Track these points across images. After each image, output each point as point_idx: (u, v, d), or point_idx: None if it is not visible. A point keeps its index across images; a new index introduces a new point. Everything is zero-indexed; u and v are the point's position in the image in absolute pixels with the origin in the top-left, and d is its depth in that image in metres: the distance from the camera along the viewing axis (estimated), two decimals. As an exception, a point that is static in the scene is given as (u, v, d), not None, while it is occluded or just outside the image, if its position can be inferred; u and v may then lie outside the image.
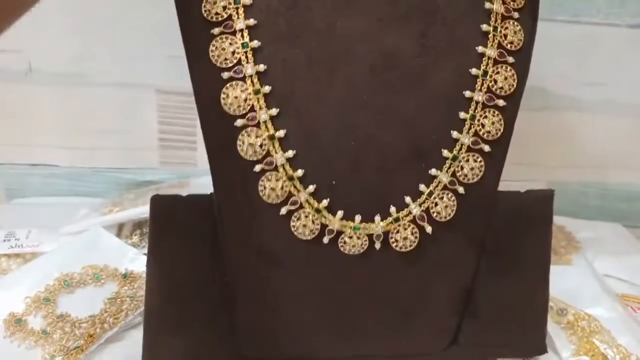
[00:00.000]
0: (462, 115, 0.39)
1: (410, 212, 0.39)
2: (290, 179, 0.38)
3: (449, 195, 0.40)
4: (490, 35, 0.39)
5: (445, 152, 0.39)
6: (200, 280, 0.41)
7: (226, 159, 0.38)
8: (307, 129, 0.38)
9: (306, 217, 0.38)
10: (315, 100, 0.38)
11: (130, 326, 0.50)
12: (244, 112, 0.37)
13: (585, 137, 0.76)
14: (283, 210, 0.38)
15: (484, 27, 0.38)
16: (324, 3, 0.37)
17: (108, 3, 0.65)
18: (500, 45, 0.39)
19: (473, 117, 0.39)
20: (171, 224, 0.40)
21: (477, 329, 0.44)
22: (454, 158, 0.39)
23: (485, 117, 0.39)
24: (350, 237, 0.39)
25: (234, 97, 0.36)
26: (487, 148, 0.39)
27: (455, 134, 0.39)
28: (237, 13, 0.37)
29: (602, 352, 0.49)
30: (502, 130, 0.39)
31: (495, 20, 0.39)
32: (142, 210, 0.63)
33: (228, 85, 0.37)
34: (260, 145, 0.37)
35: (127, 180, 0.73)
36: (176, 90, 0.69)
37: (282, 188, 0.38)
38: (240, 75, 0.37)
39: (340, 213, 0.39)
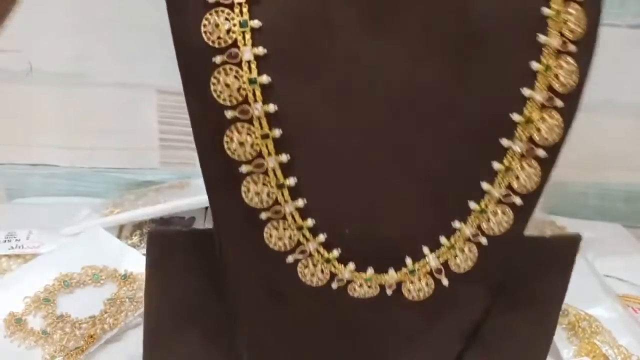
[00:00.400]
0: (495, 165, 0.34)
1: (427, 264, 0.36)
2: (299, 228, 0.34)
3: (470, 247, 0.35)
4: (540, 75, 0.32)
5: (472, 204, 0.34)
6: (200, 306, 0.38)
7: (229, 205, 0.33)
8: (320, 175, 0.33)
9: (315, 265, 0.35)
10: (331, 143, 0.33)
11: (130, 327, 0.50)
12: (250, 158, 0.32)
13: (585, 137, 0.75)
14: (290, 259, 0.34)
15: (534, 65, 0.32)
16: (348, 28, 0.31)
17: (108, 3, 0.65)
18: (550, 88, 0.32)
19: (508, 169, 0.34)
20: (169, 257, 0.37)
21: (481, 355, 0.42)
22: (481, 211, 0.34)
23: (522, 169, 0.34)
24: (361, 286, 0.36)
25: (239, 142, 0.31)
26: (518, 201, 0.34)
27: (485, 185, 0.34)
28: (244, 39, 0.30)
29: (604, 353, 0.49)
30: (538, 184, 0.35)
31: (548, 57, 0.32)
32: (143, 212, 0.63)
33: (232, 127, 0.31)
34: (268, 194, 0.32)
35: (128, 181, 0.73)
36: (176, 90, 0.68)
37: (290, 237, 0.34)
38: (247, 117, 0.31)
39: (352, 265, 0.35)
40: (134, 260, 0.56)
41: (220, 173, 0.33)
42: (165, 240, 0.36)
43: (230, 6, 0.30)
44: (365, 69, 0.32)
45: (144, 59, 0.67)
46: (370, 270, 0.35)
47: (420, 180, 0.34)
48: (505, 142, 0.33)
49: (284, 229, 0.34)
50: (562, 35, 0.32)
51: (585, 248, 0.67)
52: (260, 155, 0.32)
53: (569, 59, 0.32)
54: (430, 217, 0.35)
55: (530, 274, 0.39)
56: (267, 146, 0.32)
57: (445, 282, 0.36)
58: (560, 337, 0.51)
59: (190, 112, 0.32)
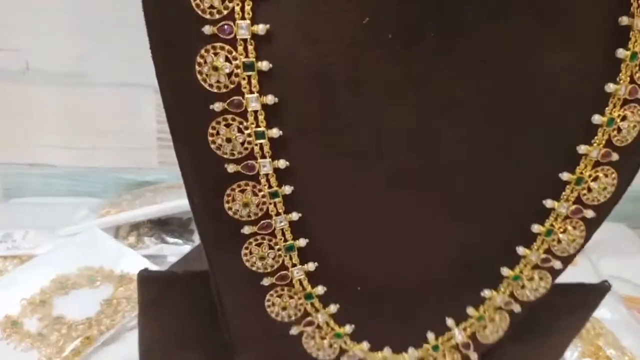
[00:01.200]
0: (535, 228, 0.30)
1: (452, 338, 0.32)
2: (308, 297, 0.29)
3: (501, 315, 0.32)
4: (601, 130, 0.27)
5: (505, 271, 0.31)
6: (195, 348, 0.35)
7: (229, 268, 0.29)
8: (332, 240, 0.29)
9: (322, 339, 0.31)
10: (348, 202, 0.28)
11: (127, 328, 0.50)
12: (254, 218, 0.27)
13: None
14: (294, 331, 0.30)
15: (596, 118, 0.27)
16: (375, 91, 0.26)
17: (107, 3, 0.64)
18: (609, 143, 0.27)
19: (549, 232, 0.29)
20: (161, 302, 0.33)
21: None
22: (515, 277, 0.30)
23: (564, 231, 0.29)
24: None
25: (243, 203, 0.27)
26: (558, 265, 0.30)
27: (521, 250, 0.30)
28: (250, 84, 0.25)
29: (607, 355, 0.48)
30: (581, 245, 0.30)
31: (613, 108, 0.27)
32: (140, 212, 0.63)
33: (235, 185, 0.27)
34: (274, 258, 0.28)
35: (126, 180, 0.73)
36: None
37: (296, 307, 0.30)
38: (252, 173, 0.26)
39: (365, 345, 0.31)
40: (131, 261, 0.56)
41: (220, 234, 0.28)
42: (157, 284, 0.32)
43: (232, 42, 0.24)
44: (389, 132, 0.27)
45: (143, 58, 0.66)
46: (387, 350, 0.31)
47: (444, 245, 0.30)
48: (549, 203, 0.29)
49: (290, 297, 0.29)
50: (632, 81, 0.26)
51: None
52: (267, 214, 0.27)
53: (636, 107, 0.27)
54: (455, 285, 0.31)
55: (551, 316, 0.35)
56: (275, 205, 0.27)
57: (474, 357, 0.32)
58: (563, 339, 0.50)
59: (180, 163, 0.27)
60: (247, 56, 0.24)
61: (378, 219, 0.29)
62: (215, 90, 0.25)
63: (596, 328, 0.51)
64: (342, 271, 0.30)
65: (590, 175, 0.28)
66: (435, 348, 0.32)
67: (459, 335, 0.32)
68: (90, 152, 0.71)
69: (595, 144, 0.27)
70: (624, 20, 0.25)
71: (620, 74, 0.26)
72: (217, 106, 0.25)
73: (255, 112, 0.25)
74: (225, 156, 0.26)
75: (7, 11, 0.64)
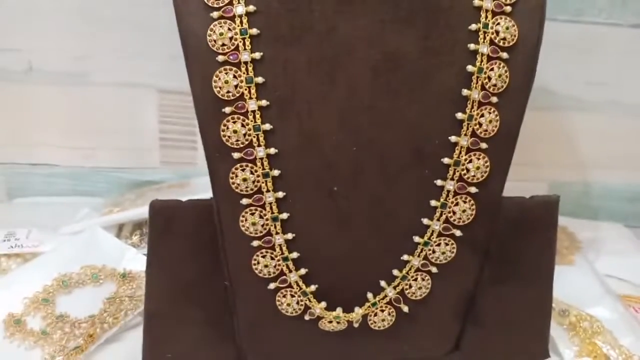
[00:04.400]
0: (433, 203, 0.40)
1: (385, 296, 0.41)
2: (285, 259, 0.39)
3: (422, 275, 0.41)
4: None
5: (417, 239, 0.40)
6: (199, 285, 0.41)
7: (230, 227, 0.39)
8: (307, 218, 0.39)
9: (292, 296, 0.40)
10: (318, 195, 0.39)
11: (130, 326, 0.50)
12: (250, 192, 0.38)
13: (587, 137, 0.75)
14: (271, 286, 0.40)
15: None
16: (325, 3, 0.37)
17: (109, 3, 0.65)
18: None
19: (444, 205, 0.39)
20: (170, 230, 0.40)
21: (480, 335, 0.44)
22: (426, 243, 0.40)
23: (457, 204, 0.40)
24: (330, 322, 0.41)
25: (242, 179, 0.37)
26: (458, 233, 0.40)
27: (426, 221, 0.40)
28: (250, 92, 0.37)
29: (605, 353, 0.49)
30: (473, 217, 0.40)
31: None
32: (142, 211, 0.63)
33: (238, 165, 0.37)
34: (262, 225, 0.38)
35: (128, 180, 0.73)
36: (177, 89, 0.69)
37: (275, 266, 0.39)
38: (251, 158, 0.37)
39: (324, 304, 0.40)
40: (133, 259, 0.56)
41: (227, 202, 0.38)
42: (167, 212, 0.39)
43: (237, 65, 0.36)
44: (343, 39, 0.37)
45: (145, 58, 0.67)
46: (339, 310, 0.41)
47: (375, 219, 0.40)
48: (439, 182, 0.39)
49: (271, 258, 0.39)
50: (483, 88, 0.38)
51: (587, 248, 0.67)
52: (259, 191, 0.38)
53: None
54: (384, 253, 0.41)
55: (516, 239, 0.43)
56: (266, 183, 0.38)
57: (405, 309, 0.41)
58: (561, 338, 0.50)
59: (205, 148, 0.38)
60: (247, 74, 0.36)
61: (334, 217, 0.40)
62: (226, 98, 0.36)
63: (594, 327, 0.51)
64: (312, 241, 0.40)
65: (466, 159, 0.39)
66: (374, 305, 0.41)
67: (390, 292, 0.41)
68: (93, 152, 0.72)
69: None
70: (472, 46, 0.37)
71: (472, 84, 0.38)
72: (227, 109, 0.37)
73: (254, 111, 0.37)
74: (232, 146, 0.37)
75: (10, 12, 0.64)
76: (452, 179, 0.39)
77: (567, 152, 0.76)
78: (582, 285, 0.57)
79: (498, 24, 0.38)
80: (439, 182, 0.39)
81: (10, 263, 0.57)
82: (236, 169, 0.37)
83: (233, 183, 0.37)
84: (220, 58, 0.36)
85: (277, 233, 0.39)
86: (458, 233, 0.40)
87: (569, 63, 0.70)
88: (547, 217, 0.43)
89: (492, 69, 0.38)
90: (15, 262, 0.57)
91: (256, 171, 0.37)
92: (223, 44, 0.36)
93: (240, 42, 0.36)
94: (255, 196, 0.38)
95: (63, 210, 0.66)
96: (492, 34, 0.38)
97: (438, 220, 0.40)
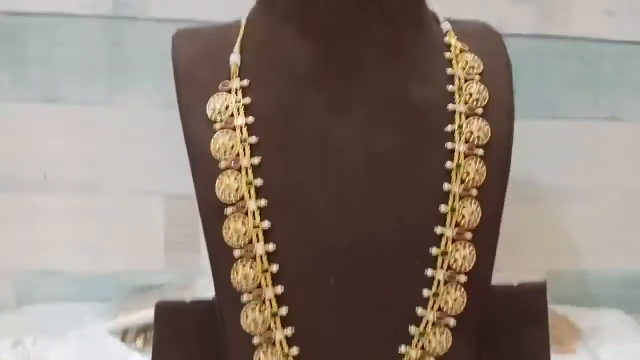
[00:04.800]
0: (425, 293, 0.40)
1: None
2: (286, 356, 0.39)
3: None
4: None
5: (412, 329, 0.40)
6: None
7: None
8: (309, 312, 0.40)
9: None
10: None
11: None
12: (250, 289, 0.39)
13: (579, 224, 0.78)
14: None
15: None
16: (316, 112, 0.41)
17: (120, 116, 0.70)
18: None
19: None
20: (174, 330, 0.41)
21: None
22: (421, 334, 0.40)
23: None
24: None
25: (243, 275, 0.39)
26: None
27: (420, 310, 0.40)
28: (249, 194, 0.39)
29: None
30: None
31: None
32: (146, 314, 0.64)
33: (239, 262, 0.39)
34: (263, 321, 0.39)
35: (133, 284, 0.74)
36: (183, 194, 0.72)
37: None
38: (251, 255, 0.39)
39: None
40: (138, 363, 0.57)
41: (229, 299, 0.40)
42: (172, 312, 0.41)
43: (238, 169, 0.39)
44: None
45: (154, 167, 0.71)
46: None
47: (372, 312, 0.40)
48: (430, 272, 0.40)
49: (272, 354, 0.39)
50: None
51: (588, 336, 0.67)
52: (259, 286, 0.39)
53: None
54: (383, 345, 0.40)
55: (508, 327, 0.43)
56: (265, 279, 0.39)
57: None
58: None
59: (208, 248, 0.40)
60: (247, 177, 0.39)
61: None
62: (227, 200, 0.39)
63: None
64: (312, 336, 0.40)
65: (452, 249, 0.40)
66: None
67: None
68: (100, 257, 0.74)
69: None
70: (449, 145, 0.41)
71: (452, 178, 0.40)
72: (229, 210, 0.39)
73: (253, 211, 0.39)
74: (233, 245, 0.39)
75: (27, 123, 0.69)
76: (442, 268, 0.40)
77: (561, 241, 0.78)
78: (586, 373, 0.57)
79: (472, 124, 0.41)
80: (429, 272, 0.40)
81: (17, 371, 0.57)
82: (237, 265, 0.39)
83: (234, 280, 0.39)
84: (223, 164, 0.40)
85: (276, 329, 0.39)
86: (452, 322, 0.40)
87: (550, 156, 0.74)
88: (537, 303, 0.44)
89: (469, 164, 0.41)
90: (21, 370, 0.57)
91: (256, 267, 0.39)
92: (225, 152, 0.40)
93: (241, 149, 0.40)
94: (255, 292, 0.39)
95: (70, 315, 0.67)
96: (467, 133, 0.41)
97: (432, 309, 0.41)
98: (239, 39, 0.44)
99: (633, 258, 0.79)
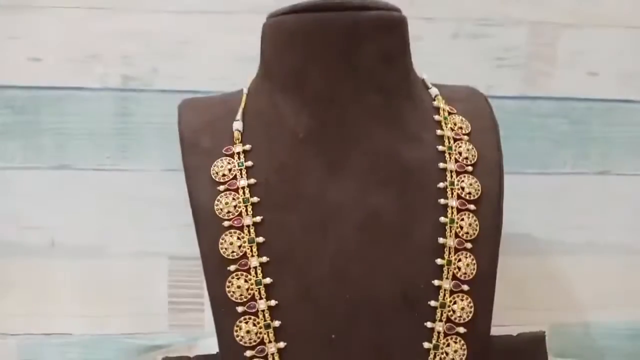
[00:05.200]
0: (425, 345, 0.42)
1: None
2: None
3: None
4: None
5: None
6: None
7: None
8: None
9: None
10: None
11: None
12: (253, 344, 0.40)
13: (579, 277, 0.78)
14: None
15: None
16: (314, 174, 0.43)
17: (127, 181, 0.72)
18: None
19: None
20: None
21: None
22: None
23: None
24: None
25: (246, 331, 0.40)
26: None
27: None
28: (252, 251, 0.41)
29: None
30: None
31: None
32: (151, 376, 0.64)
33: (242, 319, 0.41)
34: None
35: (137, 346, 0.74)
36: (186, 255, 0.73)
37: None
38: (253, 311, 0.41)
39: None
40: None
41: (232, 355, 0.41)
42: None
43: (241, 228, 0.42)
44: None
45: (159, 229, 0.73)
46: None
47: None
48: (429, 324, 0.41)
49: None
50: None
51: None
52: (262, 342, 0.40)
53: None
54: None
55: None
56: (268, 334, 0.40)
57: None
58: None
59: (211, 304, 0.41)
60: (249, 235, 0.42)
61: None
62: (230, 257, 0.42)
63: None
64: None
65: (450, 301, 0.41)
66: None
67: None
68: (105, 320, 0.74)
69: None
70: (442, 201, 0.43)
71: (446, 233, 0.42)
72: (232, 267, 0.41)
73: (255, 267, 0.41)
74: (236, 301, 0.41)
75: (33, 192, 0.72)
76: (441, 320, 0.42)
77: (562, 295, 0.78)
78: None
79: (462, 181, 0.44)
80: (429, 325, 0.41)
81: None
82: (240, 322, 0.40)
83: (237, 336, 0.40)
84: (226, 223, 0.42)
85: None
86: None
87: (544, 210, 0.76)
88: (536, 352, 0.45)
89: (462, 219, 0.43)
90: None
91: (258, 323, 0.40)
92: (228, 212, 0.42)
93: (243, 209, 0.42)
94: (258, 348, 0.40)
95: (74, 379, 0.67)
96: (459, 189, 0.43)
97: None
98: (241, 108, 0.47)
99: (636, 310, 0.79)
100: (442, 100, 0.48)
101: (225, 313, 0.41)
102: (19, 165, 0.71)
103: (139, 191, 0.72)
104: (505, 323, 0.43)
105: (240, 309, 0.41)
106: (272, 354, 0.40)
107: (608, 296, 0.78)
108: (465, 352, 0.42)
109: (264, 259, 0.41)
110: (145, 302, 0.74)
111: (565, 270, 0.78)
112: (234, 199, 0.42)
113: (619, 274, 0.78)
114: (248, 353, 0.40)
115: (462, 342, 0.42)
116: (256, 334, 0.40)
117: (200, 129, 0.46)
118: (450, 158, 0.45)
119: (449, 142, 0.45)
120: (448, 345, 0.42)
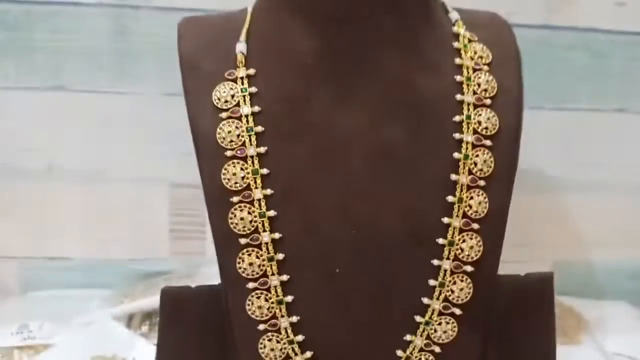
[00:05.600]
0: (431, 282, 0.40)
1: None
2: (291, 342, 0.40)
3: (427, 357, 0.41)
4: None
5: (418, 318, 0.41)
6: None
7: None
8: (315, 299, 0.40)
9: None
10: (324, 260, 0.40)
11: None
12: (256, 276, 0.39)
13: (586, 216, 0.77)
14: None
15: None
16: (323, 103, 0.41)
17: (126, 105, 0.70)
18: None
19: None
20: (180, 316, 0.41)
21: None
22: (427, 323, 0.41)
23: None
24: None
25: (248, 263, 0.39)
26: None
27: (425, 300, 0.41)
28: (255, 183, 0.39)
29: None
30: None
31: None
32: (152, 301, 0.65)
33: (244, 250, 0.39)
34: (268, 309, 0.40)
35: (138, 271, 0.75)
36: (187, 183, 0.72)
37: (281, 350, 0.40)
38: (256, 243, 0.39)
39: None
40: (143, 350, 0.57)
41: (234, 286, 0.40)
42: (177, 298, 0.41)
43: (244, 158, 0.39)
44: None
45: (159, 155, 0.72)
46: None
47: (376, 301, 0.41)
48: (436, 262, 0.40)
49: (277, 341, 0.40)
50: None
51: (594, 327, 0.67)
52: (265, 274, 0.39)
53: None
54: (387, 333, 0.41)
55: (514, 317, 0.43)
56: (271, 267, 0.39)
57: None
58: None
59: (214, 236, 0.40)
60: (253, 166, 0.40)
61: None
62: (233, 189, 0.39)
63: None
64: (316, 324, 0.40)
65: (459, 239, 0.40)
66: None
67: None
68: (105, 245, 0.74)
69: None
70: (457, 135, 0.41)
71: (459, 169, 0.40)
72: (235, 199, 0.39)
73: (259, 199, 0.39)
74: (239, 232, 0.39)
75: (31, 114, 0.70)
76: (448, 258, 0.41)
77: (568, 232, 0.78)
78: (591, 365, 0.57)
79: (480, 115, 0.41)
80: (435, 262, 0.41)
81: (22, 355, 0.58)
82: (243, 254, 0.39)
83: (240, 267, 0.39)
84: (229, 153, 0.40)
85: (282, 316, 0.40)
86: (458, 312, 0.41)
87: (558, 147, 0.74)
88: (544, 293, 0.44)
89: (477, 156, 0.41)
90: (27, 354, 0.58)
91: (262, 255, 0.40)
92: (231, 141, 0.40)
93: (247, 138, 0.40)
94: (260, 280, 0.40)
95: (75, 302, 0.68)
96: (475, 124, 0.41)
97: (437, 299, 0.41)
98: (245, 28, 0.43)
99: (637, 249, 0.79)
100: (462, 26, 0.44)
101: (227, 245, 0.40)
102: (13, 85, 0.69)
103: (138, 115, 0.70)
104: (508, 260, 0.42)
105: (243, 241, 0.39)
106: (275, 286, 0.40)
107: (614, 235, 0.78)
108: (471, 290, 0.41)
109: (268, 191, 0.40)
110: (146, 229, 0.74)
111: (574, 208, 0.77)
112: (237, 127, 0.40)
113: (628, 214, 0.77)
114: (250, 285, 0.40)
115: (469, 280, 0.41)
116: (259, 266, 0.40)
117: (202, 50, 0.43)
118: (468, 90, 0.42)
119: (468, 72, 0.42)
120: (454, 283, 0.41)
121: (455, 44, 0.43)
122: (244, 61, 0.42)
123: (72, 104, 0.69)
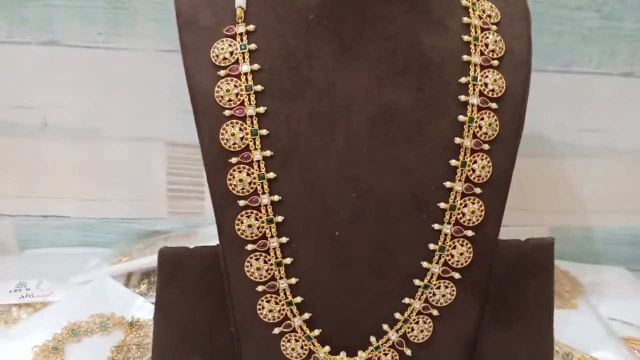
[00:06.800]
0: (431, 246, 0.40)
1: (388, 340, 0.41)
2: (289, 304, 0.40)
3: (424, 319, 0.41)
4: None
5: (417, 282, 0.41)
6: (206, 331, 0.42)
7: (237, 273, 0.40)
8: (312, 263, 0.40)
9: (296, 341, 0.41)
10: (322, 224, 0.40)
11: (137, 374, 0.51)
12: (255, 238, 0.39)
13: (586, 181, 0.77)
14: (276, 331, 0.40)
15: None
16: (325, 61, 0.40)
17: (121, 61, 0.68)
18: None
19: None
20: (178, 276, 0.41)
21: None
22: (425, 286, 0.41)
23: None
24: None
25: (247, 225, 0.39)
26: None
27: (425, 264, 0.41)
28: (255, 144, 0.39)
29: (610, 397, 0.49)
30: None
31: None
32: (150, 260, 0.65)
33: (243, 212, 0.39)
34: (267, 270, 0.40)
35: (137, 231, 0.75)
36: (185, 142, 0.71)
37: (279, 311, 0.40)
38: (256, 205, 0.39)
39: (327, 348, 0.41)
40: (141, 308, 0.57)
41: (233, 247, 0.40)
42: (175, 258, 0.41)
43: (243, 118, 0.39)
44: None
45: (155, 113, 0.70)
46: (343, 354, 0.41)
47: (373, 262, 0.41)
48: (437, 226, 0.40)
49: (276, 302, 0.40)
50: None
51: (590, 292, 0.67)
52: (264, 236, 0.39)
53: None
54: (386, 296, 0.41)
55: (514, 281, 0.43)
56: (270, 229, 0.39)
57: (408, 352, 0.41)
58: (566, 381, 0.51)
59: (212, 197, 0.39)
60: (252, 127, 0.39)
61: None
62: (232, 149, 0.39)
63: (599, 370, 0.52)
64: (315, 286, 0.40)
65: (461, 204, 0.40)
66: (377, 348, 0.41)
67: (392, 336, 0.41)
68: (103, 204, 0.74)
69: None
70: (462, 97, 0.40)
71: (464, 132, 0.40)
72: (234, 160, 0.39)
73: (258, 161, 0.39)
74: (237, 194, 0.39)
75: (26, 70, 0.68)
76: (449, 222, 0.40)
77: (567, 197, 0.78)
78: (586, 328, 0.58)
79: (486, 76, 0.40)
80: (436, 226, 0.40)
81: (21, 312, 0.58)
82: (242, 215, 0.39)
83: (239, 229, 0.39)
84: (227, 112, 0.39)
85: (281, 278, 0.40)
86: (457, 276, 0.41)
87: (561, 111, 0.73)
88: (543, 259, 0.44)
89: (482, 119, 0.40)
90: (25, 312, 0.58)
91: (261, 217, 0.39)
92: (230, 100, 0.39)
93: (246, 97, 0.39)
94: (259, 242, 0.39)
95: (73, 261, 0.67)
96: (481, 86, 0.40)
97: (437, 263, 0.41)
98: (244, -19, 0.42)
99: (636, 216, 0.79)
100: None
101: (226, 206, 0.39)
102: (4, 40, 0.67)
103: (133, 72, 0.69)
104: (506, 223, 0.42)
105: (241, 202, 0.39)
106: (274, 248, 0.40)
107: (613, 202, 0.78)
108: (471, 255, 0.41)
109: (268, 152, 0.39)
110: (144, 188, 0.74)
111: (574, 173, 0.76)
112: (235, 86, 0.39)
113: (628, 180, 0.77)
114: (249, 247, 0.39)
115: (469, 245, 0.41)
116: (258, 228, 0.39)
117: (199, 4, 0.41)
118: (475, 50, 0.41)
119: (476, 32, 0.41)
120: (454, 247, 0.41)
121: (463, 2, 0.42)
122: (243, 17, 0.40)
123: (66, 60, 0.67)
